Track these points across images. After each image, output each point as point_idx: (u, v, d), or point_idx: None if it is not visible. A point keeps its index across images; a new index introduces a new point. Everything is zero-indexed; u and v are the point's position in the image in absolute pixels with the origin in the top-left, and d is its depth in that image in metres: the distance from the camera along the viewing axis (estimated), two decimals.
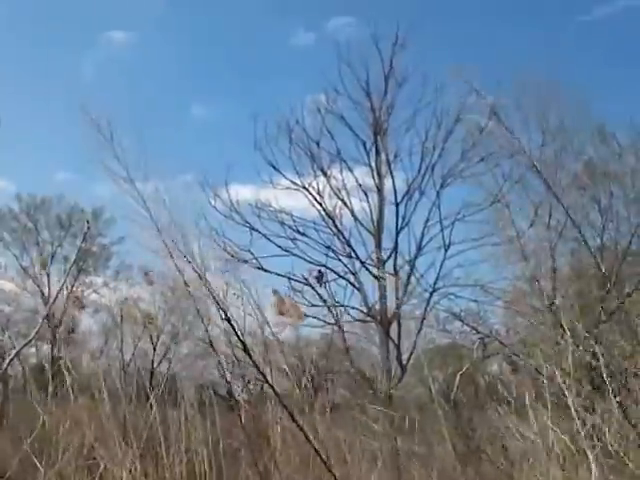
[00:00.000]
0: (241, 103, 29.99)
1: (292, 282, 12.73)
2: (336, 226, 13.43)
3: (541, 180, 18.88)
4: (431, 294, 13.33)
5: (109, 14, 31.40)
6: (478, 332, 19.31)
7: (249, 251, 12.90)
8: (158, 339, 29.10)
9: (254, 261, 12.93)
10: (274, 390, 4.80)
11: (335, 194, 13.59)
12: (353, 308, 13.38)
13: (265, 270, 12.98)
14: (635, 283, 19.15)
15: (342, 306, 13.24)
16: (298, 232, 13.45)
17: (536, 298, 19.93)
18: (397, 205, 13.04)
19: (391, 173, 13.21)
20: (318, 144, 13.59)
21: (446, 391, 14.33)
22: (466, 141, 13.61)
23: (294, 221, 13.20)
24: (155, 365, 28.46)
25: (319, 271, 13.95)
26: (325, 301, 13.28)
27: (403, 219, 13.26)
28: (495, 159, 14.29)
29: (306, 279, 13.18)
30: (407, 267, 13.30)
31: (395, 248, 13.34)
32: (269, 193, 13.85)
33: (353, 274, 13.74)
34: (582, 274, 20.53)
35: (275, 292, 12.03)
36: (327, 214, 13.48)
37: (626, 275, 19.80)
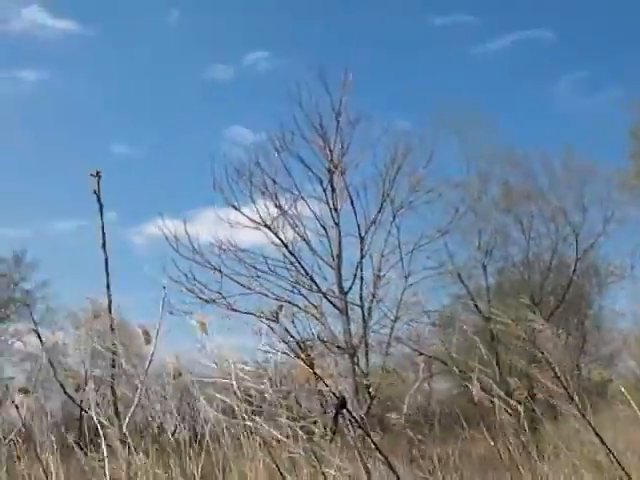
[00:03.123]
0: (164, 138, 29.80)
1: (264, 320, 12.86)
2: (298, 261, 13.77)
3: (468, 205, 20.14)
4: (394, 322, 13.90)
5: (15, 53, 30.34)
6: (421, 354, 20.13)
7: (219, 292, 13.00)
8: (84, 386, 28.00)
9: (223, 301, 13.05)
10: None
11: (294, 230, 13.94)
12: (320, 340, 13.68)
13: (234, 310, 13.10)
14: (559, 298, 20.71)
15: (310, 340, 13.51)
16: (261, 270, 13.67)
17: (472, 315, 21.09)
18: (362, 238, 13.59)
19: (353, 208, 13.76)
20: (274, 181, 13.95)
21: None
22: (413, 175, 14.36)
23: (265, 259, 13.46)
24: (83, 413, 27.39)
25: (280, 306, 14.17)
26: (292, 336, 13.50)
27: (361, 251, 13.80)
28: (438, 191, 15.13)
29: (274, 316, 13.35)
30: (369, 297, 13.80)
31: (356, 279, 13.85)
32: (221, 230, 13.99)
33: (315, 307, 14.07)
34: (510, 290, 21.91)
35: None
36: (288, 250, 13.79)
37: (551, 288, 21.33)
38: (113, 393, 4.30)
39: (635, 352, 22.62)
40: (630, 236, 20.24)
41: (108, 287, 4.35)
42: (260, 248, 14.56)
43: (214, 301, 13.04)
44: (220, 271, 13.34)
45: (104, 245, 4.40)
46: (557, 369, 4.25)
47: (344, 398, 3.82)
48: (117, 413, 4.22)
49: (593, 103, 29.32)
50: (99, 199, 4.47)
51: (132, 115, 30.83)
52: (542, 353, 4.39)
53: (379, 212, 13.73)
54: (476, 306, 20.17)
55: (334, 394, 4.04)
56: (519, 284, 21.44)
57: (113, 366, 4.41)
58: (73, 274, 22.87)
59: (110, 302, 4.34)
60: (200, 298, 12.96)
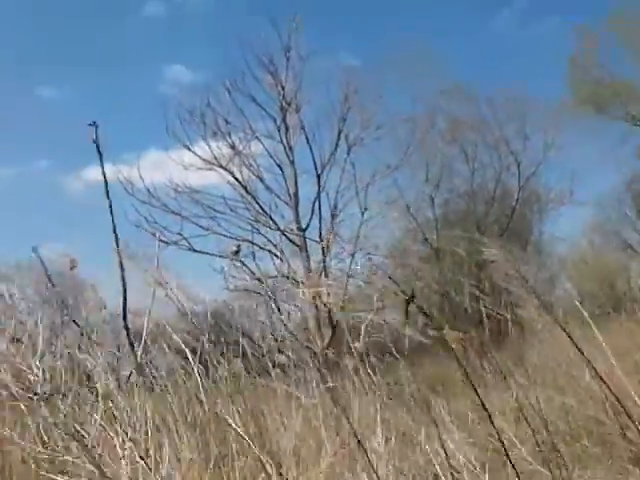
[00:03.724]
0: (97, 80, 28.47)
1: (232, 259, 13.06)
2: (256, 200, 13.91)
3: (416, 140, 20.46)
4: (352, 256, 14.31)
5: None
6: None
7: (179, 234, 13.08)
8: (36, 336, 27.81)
9: (184, 242, 13.16)
10: None
11: (249, 170, 14.01)
12: (283, 276, 13.99)
13: (196, 250, 13.24)
14: (503, 227, 21.48)
15: (272, 276, 13.83)
16: (218, 211, 13.77)
17: (421, 247, 21.74)
18: (318, 176, 13.78)
19: (309, 145, 13.90)
20: (227, 121, 13.89)
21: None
22: (365, 111, 14.49)
23: (224, 199, 13.56)
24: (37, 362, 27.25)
25: (239, 245, 14.44)
26: (254, 273, 13.79)
27: (318, 188, 14.04)
28: (388, 127, 15.36)
29: (234, 255, 13.58)
30: (327, 233, 14.12)
31: (314, 216, 14.13)
32: (169, 172, 13.91)
33: (274, 245, 14.34)
34: (456, 221, 22.60)
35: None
36: (245, 190, 13.89)
37: (495, 217, 22.10)
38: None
39: (571, 275, 23.87)
40: (570, 162, 21.04)
41: (114, 230, 4.51)
42: (212, 189, 14.62)
43: (175, 243, 13.14)
44: (179, 214, 13.40)
45: (107, 193, 4.53)
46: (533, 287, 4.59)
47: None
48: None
49: (535, 34, 29.69)
50: (98, 148, 4.57)
51: (59, 57, 29.20)
52: (517, 271, 4.67)
53: (335, 149, 13.93)
54: (425, 238, 20.76)
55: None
56: (464, 214, 22.07)
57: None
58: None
59: (118, 245, 4.50)
60: (162, 241, 12.98)
